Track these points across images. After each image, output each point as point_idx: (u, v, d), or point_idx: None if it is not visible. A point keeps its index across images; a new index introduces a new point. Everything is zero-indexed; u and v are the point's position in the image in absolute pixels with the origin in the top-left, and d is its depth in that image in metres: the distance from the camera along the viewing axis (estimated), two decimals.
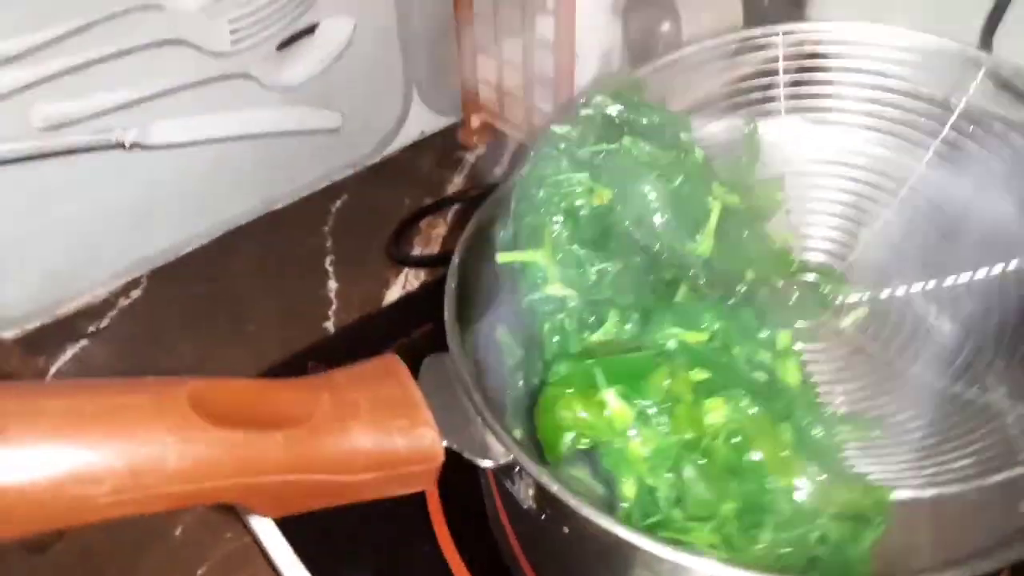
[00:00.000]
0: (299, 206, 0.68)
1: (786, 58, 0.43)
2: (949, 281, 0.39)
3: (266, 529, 0.42)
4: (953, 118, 0.40)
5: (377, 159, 0.72)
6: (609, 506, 0.30)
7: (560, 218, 0.35)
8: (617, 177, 0.36)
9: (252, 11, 0.58)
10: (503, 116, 0.71)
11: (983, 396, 0.34)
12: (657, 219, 0.35)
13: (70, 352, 0.57)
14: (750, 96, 0.44)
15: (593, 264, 0.34)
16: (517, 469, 0.28)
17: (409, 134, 0.73)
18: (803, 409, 0.32)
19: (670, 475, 0.29)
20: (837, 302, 0.41)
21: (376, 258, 0.63)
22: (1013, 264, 0.38)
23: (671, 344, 0.31)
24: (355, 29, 0.64)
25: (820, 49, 0.44)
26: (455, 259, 0.35)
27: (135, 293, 0.61)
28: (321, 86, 0.65)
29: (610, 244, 0.35)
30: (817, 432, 0.32)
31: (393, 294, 0.60)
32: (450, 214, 0.67)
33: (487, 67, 0.69)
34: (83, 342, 0.58)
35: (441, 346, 0.32)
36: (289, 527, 0.41)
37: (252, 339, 0.58)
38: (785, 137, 0.44)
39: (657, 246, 0.35)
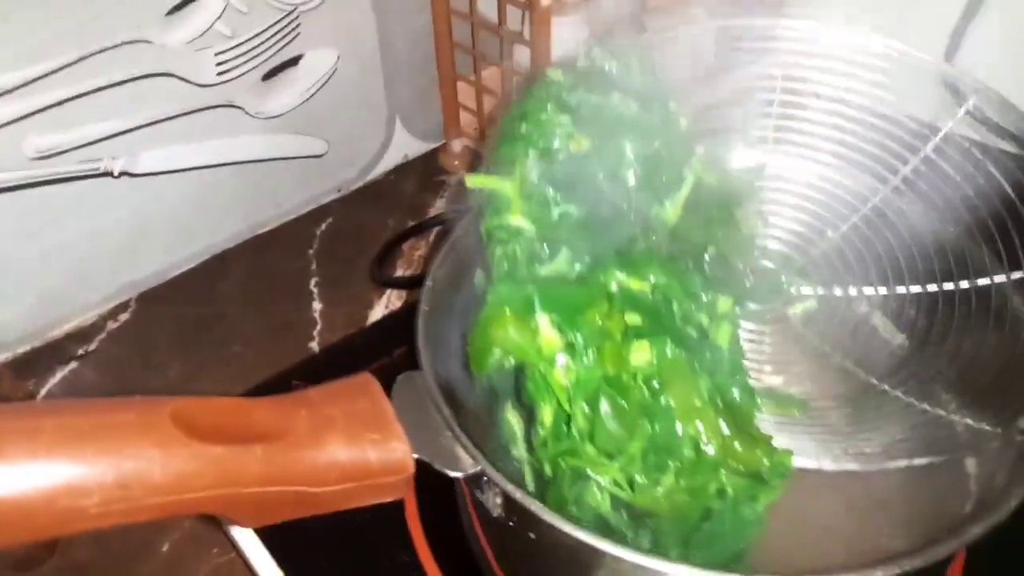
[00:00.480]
0: (285, 229, 0.70)
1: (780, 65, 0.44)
2: (899, 291, 0.41)
3: (251, 544, 0.43)
4: (931, 145, 0.42)
5: (361, 183, 0.74)
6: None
7: (535, 155, 0.35)
8: (599, 129, 0.36)
9: (238, 44, 0.60)
10: (483, 140, 0.73)
11: (907, 396, 0.36)
12: (631, 177, 0.36)
13: (59, 375, 0.59)
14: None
15: (558, 205, 0.35)
16: (485, 479, 0.30)
17: (392, 159, 0.76)
18: (726, 371, 0.33)
19: (587, 408, 0.30)
20: (791, 291, 0.42)
21: (360, 280, 0.64)
22: (963, 284, 0.40)
23: (613, 287, 0.32)
24: (338, 59, 0.67)
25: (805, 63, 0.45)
26: (427, 283, 0.37)
27: (123, 316, 0.63)
28: (306, 114, 0.67)
29: (579, 191, 0.35)
30: (735, 394, 0.33)
31: (376, 314, 0.62)
32: (432, 236, 0.69)
33: (467, 94, 0.72)
34: (72, 364, 0.59)
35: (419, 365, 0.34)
36: (273, 542, 0.43)
37: (239, 360, 0.59)
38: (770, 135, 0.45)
39: (625, 204, 0.36)
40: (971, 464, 0.36)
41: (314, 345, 0.60)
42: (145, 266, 0.64)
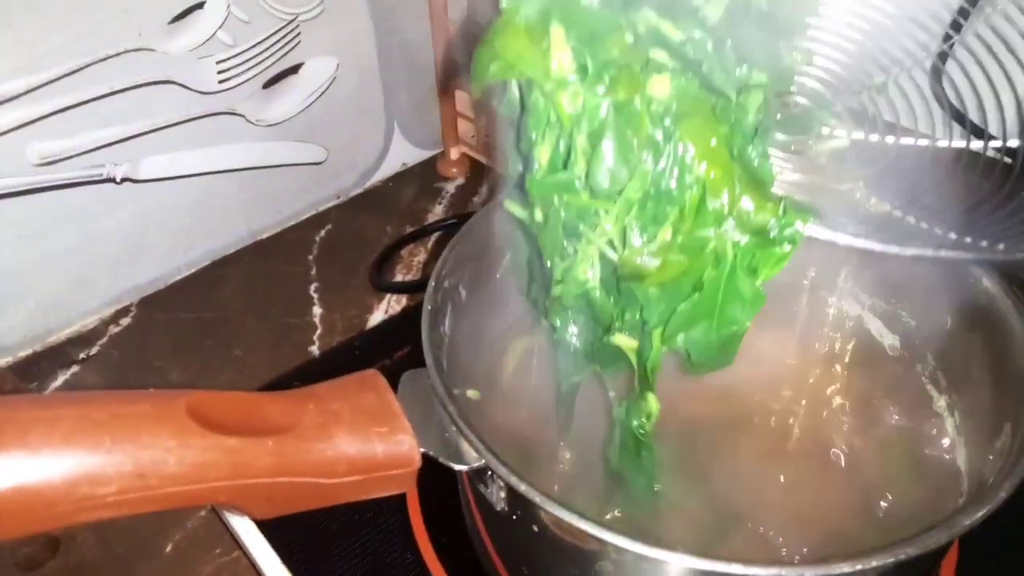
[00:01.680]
0: (285, 235, 0.70)
1: None
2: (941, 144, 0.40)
3: (256, 541, 0.44)
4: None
5: (360, 190, 0.75)
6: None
7: None
8: None
9: (239, 52, 0.61)
10: (481, 148, 0.74)
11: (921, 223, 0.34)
12: None
13: (61, 378, 0.59)
14: None
15: None
16: (489, 473, 0.31)
17: (391, 166, 0.77)
18: (749, 135, 0.29)
19: (587, 142, 0.27)
20: (822, 130, 0.39)
21: (359, 285, 0.65)
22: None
23: (642, 27, 0.29)
24: (338, 68, 0.68)
25: None
26: (431, 283, 0.37)
27: (125, 320, 0.63)
28: (306, 122, 0.68)
29: None
30: (753, 157, 0.29)
31: (376, 319, 0.63)
32: (431, 242, 0.70)
33: (465, 103, 0.73)
34: (74, 368, 0.60)
35: (419, 366, 0.35)
36: (278, 538, 0.43)
37: (239, 363, 0.60)
38: None
39: None
40: (962, 462, 0.37)
41: (314, 349, 0.60)
42: (146, 271, 0.65)
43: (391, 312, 0.63)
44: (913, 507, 0.37)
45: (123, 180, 0.60)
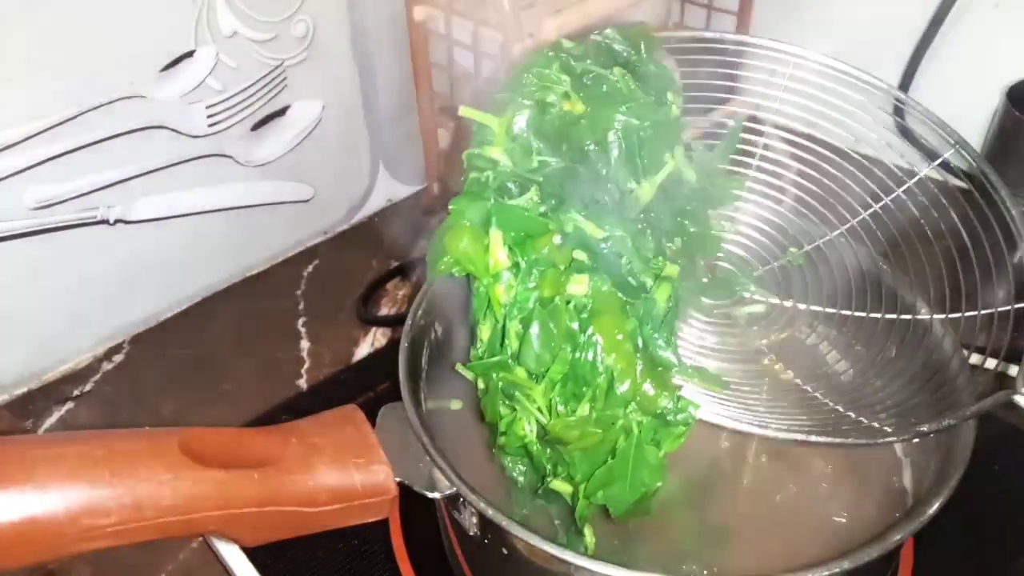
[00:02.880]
0: (273, 271, 0.73)
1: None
2: (842, 312, 0.44)
3: (245, 573, 0.46)
4: (892, 196, 0.45)
5: (347, 226, 0.78)
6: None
7: (530, 104, 0.37)
8: (595, 97, 0.38)
9: (228, 97, 0.64)
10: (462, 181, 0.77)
11: (824, 397, 0.39)
12: (614, 148, 0.37)
13: (56, 415, 0.61)
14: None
15: (540, 154, 0.36)
16: (461, 500, 0.33)
17: (376, 202, 0.79)
18: (656, 325, 0.34)
19: (519, 327, 0.32)
20: (743, 294, 0.45)
21: (346, 318, 0.67)
22: (890, 315, 0.44)
23: (569, 227, 0.34)
24: (323, 109, 0.71)
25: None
26: (408, 321, 0.40)
27: (117, 357, 0.65)
28: (293, 162, 0.70)
29: (563, 148, 0.37)
30: (659, 345, 0.34)
31: (362, 352, 0.65)
32: (416, 276, 0.72)
33: (447, 140, 0.76)
34: (68, 405, 0.62)
35: (401, 398, 0.37)
36: (266, 569, 0.45)
37: (230, 397, 0.62)
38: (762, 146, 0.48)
39: (604, 171, 0.37)
40: (908, 482, 0.40)
41: (302, 382, 0.63)
42: (138, 309, 0.67)
43: (377, 345, 0.65)
44: (867, 524, 0.39)
45: (116, 221, 0.62)
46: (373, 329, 0.66)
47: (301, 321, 0.68)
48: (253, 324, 0.68)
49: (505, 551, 0.33)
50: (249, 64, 0.64)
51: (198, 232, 0.67)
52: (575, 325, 0.32)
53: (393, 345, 0.65)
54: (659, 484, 0.34)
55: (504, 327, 0.33)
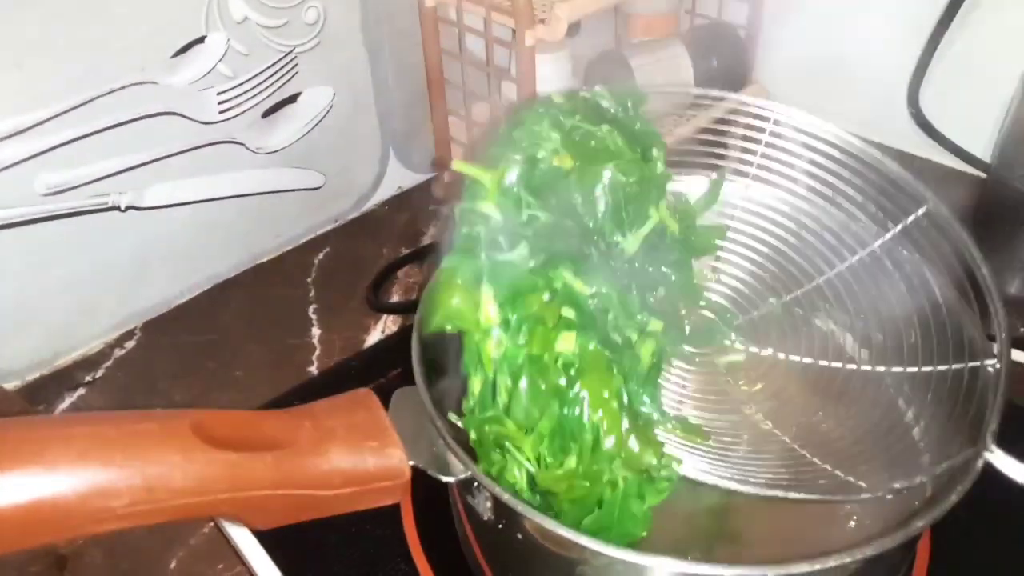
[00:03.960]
0: (284, 259, 0.73)
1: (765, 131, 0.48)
2: (820, 363, 0.45)
3: (257, 557, 0.45)
4: (878, 242, 0.45)
5: (357, 214, 0.77)
6: None
7: (520, 159, 0.38)
8: (584, 152, 0.39)
9: (239, 84, 0.64)
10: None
11: (802, 449, 0.39)
12: (601, 202, 0.39)
13: (68, 401, 0.61)
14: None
15: (530, 207, 0.38)
16: (476, 484, 0.33)
17: (387, 190, 0.79)
18: (641, 381, 0.36)
19: (509, 382, 0.33)
20: (724, 342, 0.46)
21: (356, 306, 0.67)
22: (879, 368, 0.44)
23: (558, 284, 0.35)
24: (334, 97, 0.70)
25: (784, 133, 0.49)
26: (421, 305, 0.40)
27: (129, 344, 0.65)
28: (304, 149, 0.70)
29: (552, 201, 0.39)
30: (643, 401, 0.36)
31: (373, 339, 0.65)
32: (426, 263, 0.72)
33: (458, 128, 0.75)
34: (80, 391, 0.62)
35: (412, 384, 0.37)
36: (278, 553, 0.45)
37: (241, 384, 0.62)
38: (743, 198, 0.49)
39: (591, 224, 0.39)
40: (925, 460, 0.39)
41: (313, 369, 0.62)
42: (150, 296, 0.67)
43: (387, 332, 0.65)
44: (884, 511, 0.39)
45: (128, 208, 0.62)
46: (384, 316, 0.66)
47: (312, 308, 0.67)
48: (264, 311, 0.67)
49: (520, 536, 0.32)
50: (260, 50, 0.64)
51: (209, 219, 0.67)
52: (563, 381, 0.33)
53: (404, 332, 0.64)
54: (644, 534, 0.35)
55: (494, 381, 0.34)
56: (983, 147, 0.73)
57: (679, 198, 0.46)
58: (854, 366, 0.43)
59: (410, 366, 0.37)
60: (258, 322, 0.67)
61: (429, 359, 0.38)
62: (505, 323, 0.34)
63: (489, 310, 0.34)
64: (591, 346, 0.34)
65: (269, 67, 0.65)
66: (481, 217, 0.37)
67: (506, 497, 0.30)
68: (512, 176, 0.38)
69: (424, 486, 0.34)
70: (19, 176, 0.56)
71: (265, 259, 0.72)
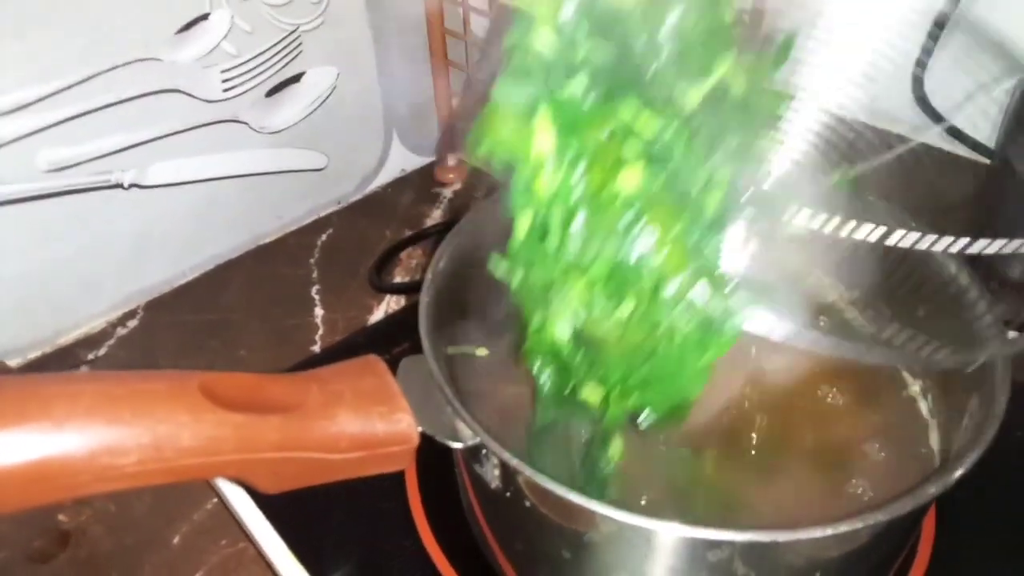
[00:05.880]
0: (287, 240, 0.72)
1: None
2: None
3: (262, 531, 0.45)
4: None
5: (360, 195, 0.77)
6: None
7: None
8: None
9: (243, 62, 0.63)
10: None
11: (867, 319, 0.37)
12: (664, 48, 0.34)
13: None
14: None
15: (587, 41, 0.32)
16: (483, 451, 0.32)
17: (390, 172, 0.79)
18: (705, 230, 0.32)
19: (562, 218, 0.30)
20: (783, 216, 0.44)
21: (359, 287, 0.67)
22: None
23: (626, 116, 0.31)
24: (338, 77, 0.70)
25: None
26: (428, 276, 0.39)
27: (131, 323, 0.65)
28: (307, 129, 0.70)
29: (611, 40, 0.34)
30: (708, 251, 0.32)
31: (375, 319, 0.64)
32: (429, 245, 0.71)
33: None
34: (83, 369, 0.62)
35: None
36: (283, 527, 0.45)
37: (243, 363, 0.61)
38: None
39: (653, 68, 0.34)
40: (935, 442, 0.39)
41: (315, 348, 0.62)
42: (152, 275, 0.66)
43: (391, 312, 0.65)
44: (891, 482, 0.39)
45: (130, 186, 0.62)
46: (387, 297, 0.66)
47: (315, 289, 0.67)
48: (267, 291, 0.67)
49: (527, 503, 0.32)
50: (264, 29, 0.64)
51: (212, 198, 0.67)
52: (623, 220, 0.31)
53: (406, 311, 0.64)
54: (699, 392, 0.32)
55: (545, 219, 0.31)
56: (987, 134, 0.73)
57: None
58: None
59: (415, 342, 0.37)
60: (260, 302, 0.66)
61: (437, 324, 0.37)
62: (561, 155, 0.30)
63: (544, 140, 0.30)
64: (656, 185, 0.31)
65: (273, 46, 0.65)
66: (533, 54, 0.32)
67: (514, 462, 0.30)
68: (570, 8, 0.32)
69: (427, 459, 0.34)
70: (21, 152, 0.56)
71: (268, 240, 0.72)
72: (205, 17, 0.60)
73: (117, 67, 0.57)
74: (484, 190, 0.77)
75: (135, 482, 0.26)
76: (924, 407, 0.41)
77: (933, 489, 0.29)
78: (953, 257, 0.40)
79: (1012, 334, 0.33)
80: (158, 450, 0.25)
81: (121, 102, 0.59)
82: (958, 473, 0.30)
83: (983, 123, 0.72)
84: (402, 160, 0.79)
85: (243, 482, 0.29)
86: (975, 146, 0.75)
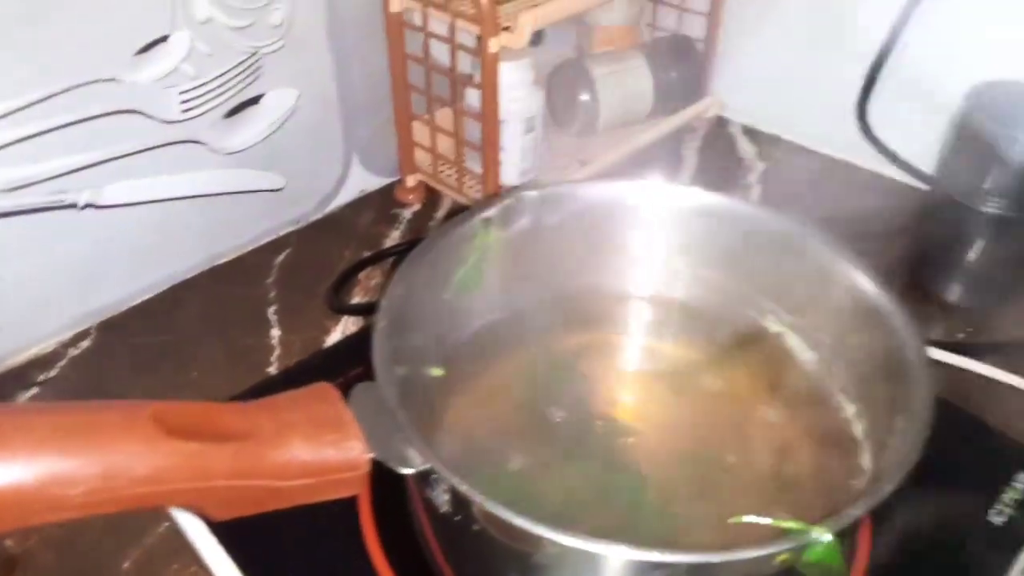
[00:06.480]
0: (244, 260, 0.72)
1: None
2: None
3: (214, 556, 0.45)
4: None
5: (319, 216, 0.77)
6: None
7: None
8: None
9: (202, 84, 0.64)
10: (436, 176, 0.77)
11: None
12: None
13: (21, 400, 0.60)
14: None
15: None
16: (433, 475, 0.33)
17: (350, 192, 0.79)
18: None
19: None
20: None
21: (317, 307, 0.67)
22: None
23: None
24: (298, 99, 0.70)
25: None
26: (383, 302, 0.40)
27: (84, 344, 0.65)
28: (266, 150, 0.70)
29: None
30: None
31: (333, 340, 0.65)
32: (388, 265, 0.72)
33: (422, 132, 0.76)
34: (34, 390, 0.61)
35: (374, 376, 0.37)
36: (235, 551, 0.45)
37: (197, 384, 0.61)
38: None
39: None
40: (866, 460, 0.41)
41: (272, 370, 0.62)
42: (106, 295, 0.66)
43: (348, 333, 0.65)
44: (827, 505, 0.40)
45: (86, 206, 0.62)
46: (344, 318, 0.66)
47: (272, 309, 0.67)
48: (223, 312, 0.67)
49: (476, 528, 0.33)
50: (224, 51, 0.64)
51: (168, 219, 0.67)
52: None
53: (363, 333, 0.65)
54: None
55: None
56: (929, 161, 0.76)
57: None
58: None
59: (370, 365, 0.38)
60: (216, 323, 0.66)
61: (394, 345, 0.38)
62: None
63: None
64: None
65: (233, 68, 0.65)
66: None
67: (463, 487, 0.31)
68: None
69: (381, 483, 0.34)
70: None
71: (225, 260, 0.72)
72: (164, 39, 0.61)
73: (75, 87, 0.57)
74: (442, 212, 0.79)
75: (86, 511, 0.26)
76: (859, 429, 0.43)
77: (858, 511, 0.31)
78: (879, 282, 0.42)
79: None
80: (109, 480, 0.26)
81: (78, 122, 0.59)
82: (884, 493, 0.32)
83: (923, 151, 0.75)
84: (362, 181, 0.80)
85: (195, 510, 0.29)
86: (915, 173, 0.78)
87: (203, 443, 0.28)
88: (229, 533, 0.45)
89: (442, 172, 0.77)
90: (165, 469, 0.27)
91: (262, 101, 0.68)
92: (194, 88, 0.63)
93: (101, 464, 0.26)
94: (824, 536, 0.31)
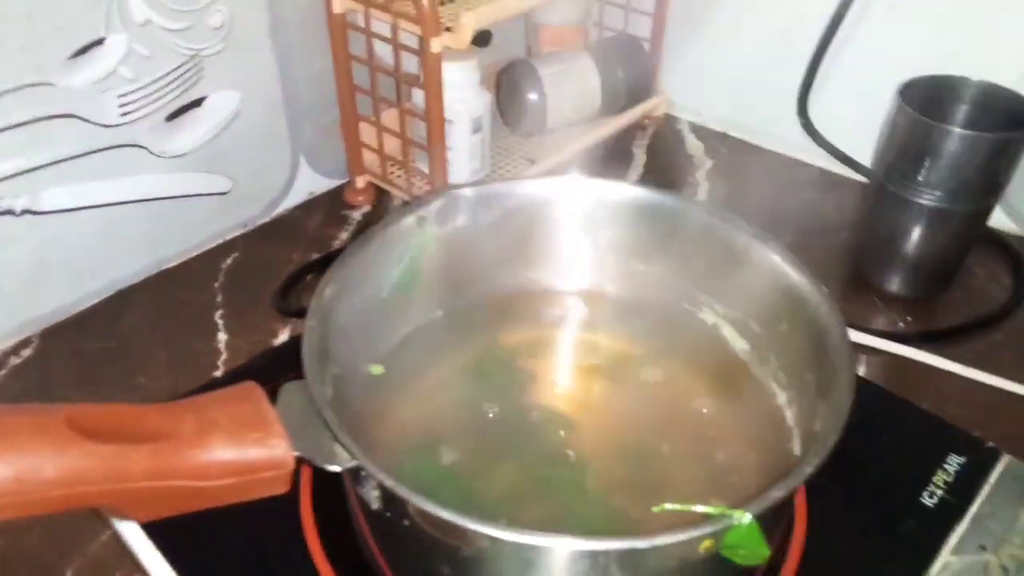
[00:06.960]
0: (190, 264, 0.72)
1: None
2: None
3: (155, 564, 0.45)
4: None
5: (267, 219, 0.77)
6: None
7: None
8: None
9: (140, 87, 0.63)
10: (385, 177, 0.77)
11: None
12: None
13: None
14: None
15: None
16: (362, 472, 0.33)
17: (298, 195, 0.79)
18: None
19: None
20: None
21: (264, 311, 0.67)
22: None
23: None
24: (242, 101, 0.70)
25: None
26: (314, 302, 0.40)
27: (26, 352, 0.64)
28: (210, 153, 0.69)
29: None
30: None
31: (280, 343, 0.64)
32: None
33: (369, 133, 0.76)
34: None
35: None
36: (177, 560, 0.45)
37: (143, 390, 0.61)
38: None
39: None
40: (797, 449, 0.42)
41: (218, 374, 0.62)
42: (48, 302, 0.65)
43: (297, 336, 0.65)
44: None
45: (24, 212, 0.61)
46: (293, 321, 0.66)
47: (219, 313, 0.67)
48: (169, 317, 0.67)
49: (406, 523, 0.33)
50: (163, 53, 0.63)
51: (111, 223, 0.66)
52: None
53: None
54: None
55: None
56: (868, 154, 0.78)
57: None
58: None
59: None
60: (162, 328, 0.66)
61: (329, 346, 0.38)
62: None
63: None
64: None
65: (172, 71, 0.65)
66: None
67: (389, 483, 0.31)
68: None
69: (320, 482, 0.34)
70: None
71: (171, 264, 0.71)
72: (100, 42, 0.60)
73: (8, 92, 0.57)
74: (391, 212, 0.78)
75: (2, 514, 0.26)
76: (789, 416, 0.43)
77: (778, 493, 0.32)
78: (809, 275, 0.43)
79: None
80: (19, 483, 0.26)
81: (12, 127, 0.58)
82: (804, 475, 0.33)
83: (864, 146, 0.77)
84: (310, 183, 0.79)
85: (115, 511, 0.29)
86: (856, 167, 0.80)
87: (120, 444, 0.28)
88: (168, 538, 0.45)
89: (391, 173, 0.77)
90: (78, 471, 0.27)
91: (204, 104, 0.68)
92: (133, 91, 0.63)
93: (12, 467, 0.26)
94: (744, 519, 0.32)
